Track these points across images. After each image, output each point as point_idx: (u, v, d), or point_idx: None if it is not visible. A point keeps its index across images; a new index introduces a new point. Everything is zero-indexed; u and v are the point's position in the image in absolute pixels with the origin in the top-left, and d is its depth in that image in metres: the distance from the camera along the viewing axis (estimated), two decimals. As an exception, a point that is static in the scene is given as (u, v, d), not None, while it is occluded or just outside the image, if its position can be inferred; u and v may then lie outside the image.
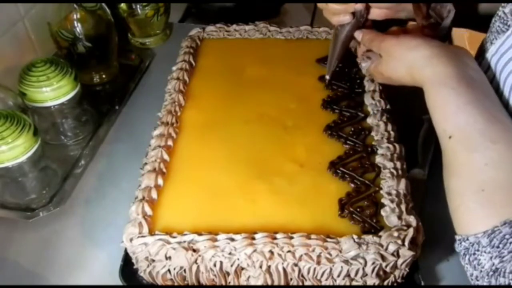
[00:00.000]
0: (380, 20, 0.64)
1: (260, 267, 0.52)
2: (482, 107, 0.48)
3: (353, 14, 0.63)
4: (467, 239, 0.45)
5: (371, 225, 0.55)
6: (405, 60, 0.55)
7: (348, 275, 0.52)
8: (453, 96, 0.49)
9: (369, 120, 0.68)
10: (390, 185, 0.58)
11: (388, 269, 0.52)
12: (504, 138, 0.46)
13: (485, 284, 0.44)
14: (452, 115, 0.49)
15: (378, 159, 0.62)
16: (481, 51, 0.59)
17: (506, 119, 0.48)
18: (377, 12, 0.63)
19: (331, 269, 0.51)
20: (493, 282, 0.42)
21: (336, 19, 0.65)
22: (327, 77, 0.70)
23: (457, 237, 0.46)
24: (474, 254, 0.44)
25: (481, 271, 0.44)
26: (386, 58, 0.59)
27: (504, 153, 0.45)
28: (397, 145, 0.63)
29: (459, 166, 0.47)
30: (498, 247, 0.42)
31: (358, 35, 0.64)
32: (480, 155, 0.46)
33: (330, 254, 0.51)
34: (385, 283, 0.54)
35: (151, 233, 0.54)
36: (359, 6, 0.62)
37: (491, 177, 0.45)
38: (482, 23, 0.62)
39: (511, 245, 0.41)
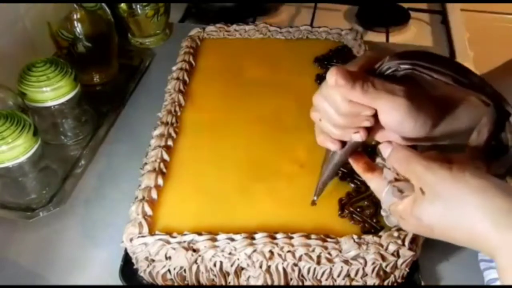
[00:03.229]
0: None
1: (260, 267, 0.52)
2: None
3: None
4: None
5: (371, 225, 0.55)
6: (466, 209, 0.38)
7: (348, 275, 0.52)
8: None
9: (369, 120, 0.68)
10: (390, 185, 0.58)
11: (388, 269, 0.52)
12: None
13: None
14: None
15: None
16: None
17: None
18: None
19: (331, 269, 0.51)
20: None
21: (332, 144, 0.46)
22: (315, 198, 0.53)
23: None
24: None
25: None
26: (431, 197, 0.40)
27: None
28: (397, 145, 0.63)
29: None
30: None
31: (385, 150, 0.44)
32: None
33: (330, 254, 0.51)
34: (385, 283, 0.54)
35: (151, 233, 0.54)
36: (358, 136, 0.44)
37: None
38: None
39: None
